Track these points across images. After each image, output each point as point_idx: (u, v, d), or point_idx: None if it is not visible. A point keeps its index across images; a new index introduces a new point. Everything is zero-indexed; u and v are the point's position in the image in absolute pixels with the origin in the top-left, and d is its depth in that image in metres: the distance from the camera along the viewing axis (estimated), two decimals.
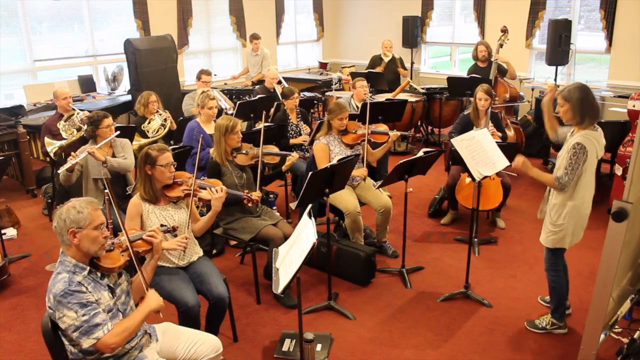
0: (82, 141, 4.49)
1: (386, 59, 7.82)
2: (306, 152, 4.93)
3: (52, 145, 4.53)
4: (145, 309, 2.29)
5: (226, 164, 3.72)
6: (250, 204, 3.24)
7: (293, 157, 4.07)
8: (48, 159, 5.44)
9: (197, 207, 3.25)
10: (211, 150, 4.07)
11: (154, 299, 2.34)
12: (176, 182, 3.03)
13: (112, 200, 2.78)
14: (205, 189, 3.15)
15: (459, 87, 6.36)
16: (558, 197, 3.05)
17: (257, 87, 6.75)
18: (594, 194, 3.10)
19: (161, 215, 2.94)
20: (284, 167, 4.16)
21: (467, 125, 4.76)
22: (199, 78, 6.00)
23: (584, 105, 2.93)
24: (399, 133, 4.34)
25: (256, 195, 3.54)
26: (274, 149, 4.19)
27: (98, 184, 3.97)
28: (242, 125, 4.02)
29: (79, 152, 3.89)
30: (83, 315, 2.09)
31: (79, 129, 4.78)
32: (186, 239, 2.83)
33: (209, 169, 3.75)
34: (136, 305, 2.43)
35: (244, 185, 3.77)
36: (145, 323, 2.47)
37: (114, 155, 4.06)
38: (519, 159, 3.19)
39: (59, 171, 3.88)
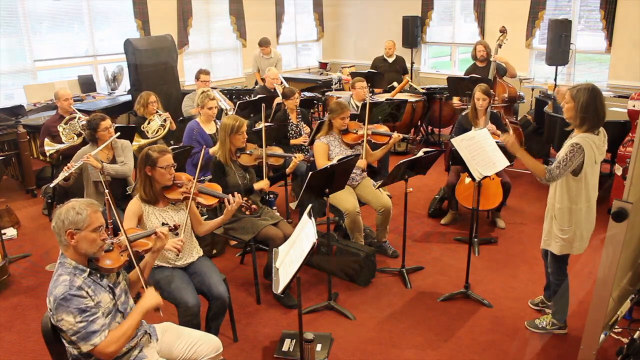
0: (82, 144, 4.51)
1: (390, 60, 7.83)
2: (307, 153, 4.93)
3: (50, 147, 4.53)
4: (142, 309, 2.29)
5: (230, 163, 3.72)
6: (248, 212, 3.25)
7: (297, 157, 4.06)
8: (47, 159, 5.44)
9: (197, 207, 3.25)
10: (212, 149, 4.07)
11: (151, 297, 2.33)
12: (176, 184, 3.02)
13: (111, 202, 2.78)
14: (205, 193, 3.16)
15: (459, 87, 6.35)
16: (563, 202, 3.01)
17: (257, 87, 6.75)
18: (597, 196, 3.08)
19: (161, 217, 2.95)
20: (288, 170, 4.16)
21: (465, 126, 4.76)
22: (197, 78, 6.00)
23: (587, 110, 2.86)
24: (400, 135, 4.34)
25: (264, 183, 3.70)
26: (277, 150, 4.19)
27: (98, 187, 3.97)
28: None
29: (75, 160, 3.91)
30: (81, 321, 2.09)
31: (79, 134, 4.78)
32: (181, 242, 2.82)
33: (212, 168, 3.75)
34: (135, 301, 2.44)
35: (247, 186, 3.77)
36: (145, 323, 2.47)
37: (114, 158, 4.07)
38: (510, 138, 3.13)
39: (51, 185, 3.91)
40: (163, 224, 2.83)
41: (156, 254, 2.56)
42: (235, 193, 3.13)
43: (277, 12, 9.57)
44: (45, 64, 7.10)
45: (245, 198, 3.21)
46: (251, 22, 9.04)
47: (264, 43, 7.79)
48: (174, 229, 2.78)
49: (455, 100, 6.38)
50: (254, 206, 3.23)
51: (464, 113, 4.91)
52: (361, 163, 4.19)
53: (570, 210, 2.99)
